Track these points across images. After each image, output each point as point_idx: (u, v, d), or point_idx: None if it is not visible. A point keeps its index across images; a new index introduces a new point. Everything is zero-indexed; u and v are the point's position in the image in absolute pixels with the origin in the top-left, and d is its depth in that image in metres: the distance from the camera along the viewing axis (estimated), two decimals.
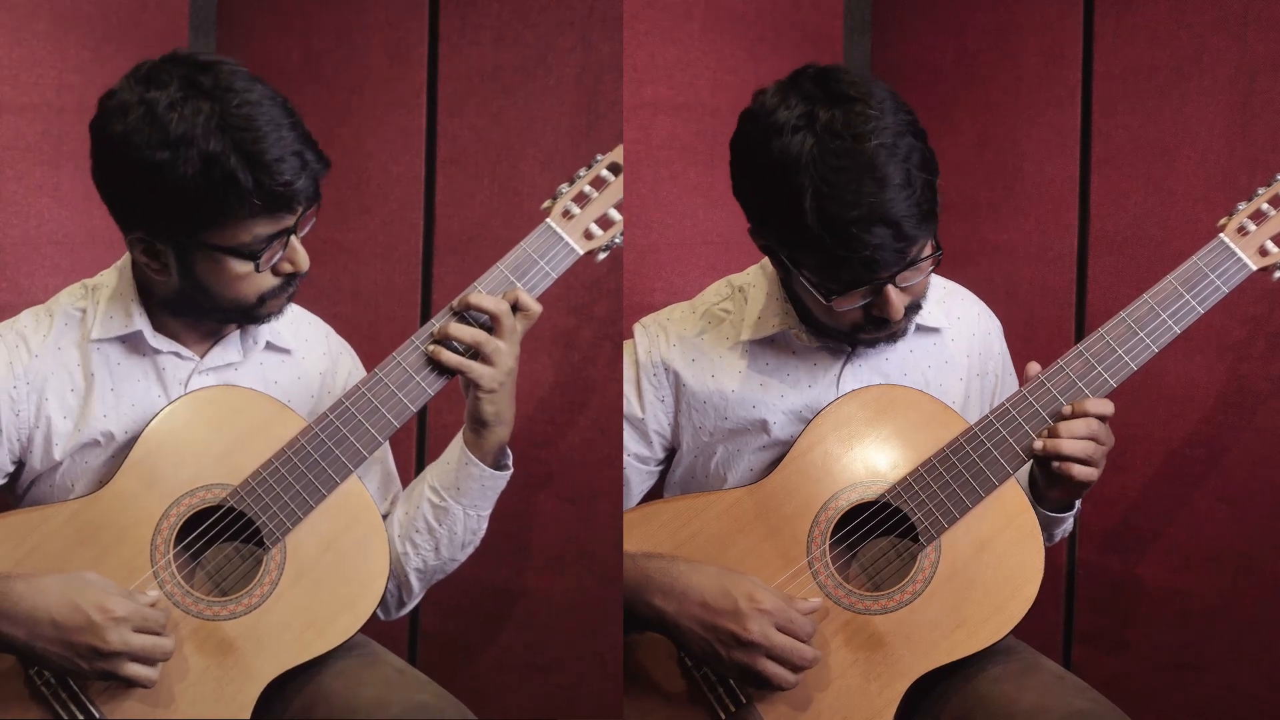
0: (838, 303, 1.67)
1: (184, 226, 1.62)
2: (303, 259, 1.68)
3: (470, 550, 1.84)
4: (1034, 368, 1.72)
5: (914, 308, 1.73)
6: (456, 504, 1.78)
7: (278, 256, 1.66)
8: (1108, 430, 1.70)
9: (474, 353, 1.71)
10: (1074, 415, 1.68)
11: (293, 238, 1.66)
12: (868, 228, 1.57)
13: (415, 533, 1.79)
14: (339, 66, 2.36)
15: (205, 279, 1.66)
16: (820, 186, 1.57)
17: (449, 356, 1.70)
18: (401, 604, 1.85)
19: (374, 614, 1.72)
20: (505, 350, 1.71)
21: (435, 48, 2.32)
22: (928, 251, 1.65)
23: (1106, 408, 1.69)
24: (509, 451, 1.80)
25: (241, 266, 1.64)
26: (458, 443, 1.78)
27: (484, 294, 1.71)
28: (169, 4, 2.36)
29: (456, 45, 2.31)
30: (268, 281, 1.68)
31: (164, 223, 1.63)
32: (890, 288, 1.64)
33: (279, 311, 1.73)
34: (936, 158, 1.63)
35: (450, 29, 2.32)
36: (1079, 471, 1.68)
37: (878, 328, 1.72)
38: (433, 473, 1.80)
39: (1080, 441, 1.68)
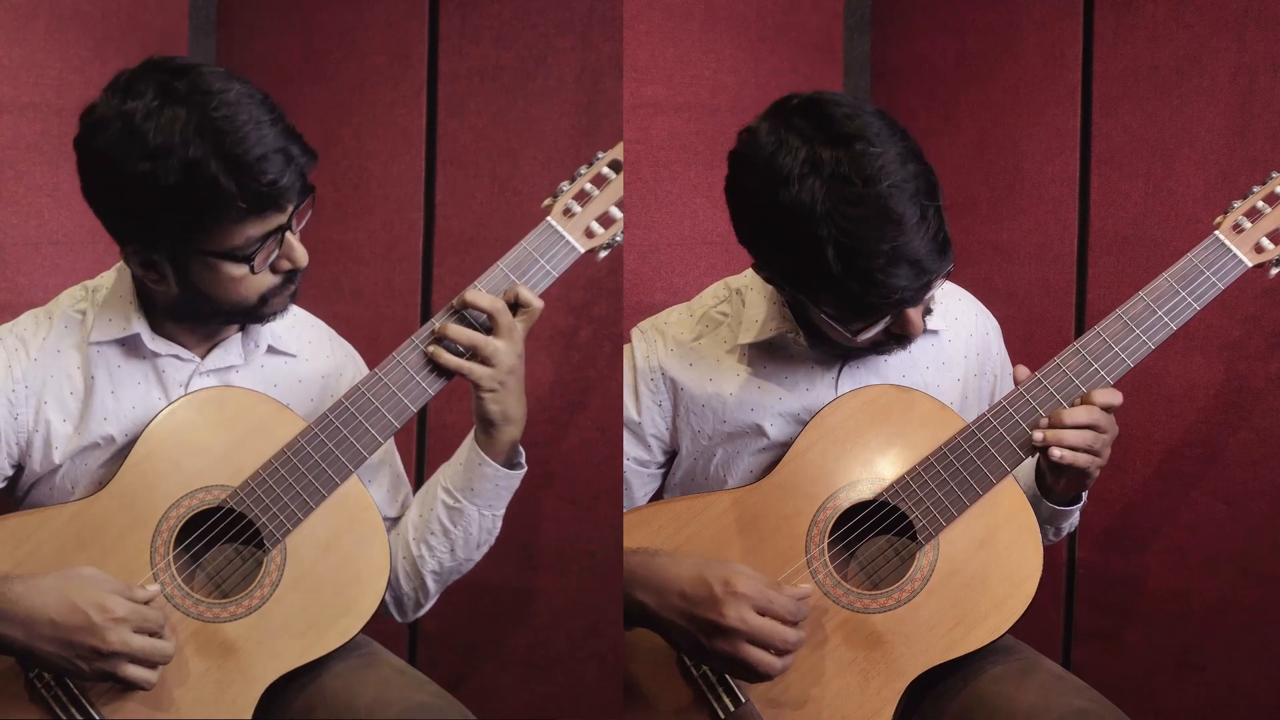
0: (862, 333, 1.67)
1: (175, 236, 1.60)
2: (300, 255, 1.66)
3: (485, 549, 1.83)
4: (1023, 371, 1.72)
5: (926, 313, 1.73)
6: (471, 504, 1.77)
7: (274, 255, 1.64)
8: (1111, 420, 1.69)
9: (473, 353, 1.70)
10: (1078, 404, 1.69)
11: (288, 234, 1.64)
12: (893, 270, 1.57)
13: (430, 535, 1.79)
14: (339, 66, 2.36)
15: (204, 285, 1.65)
16: (840, 238, 1.56)
17: (448, 357, 1.70)
18: (419, 605, 1.84)
19: (377, 615, 1.71)
20: (504, 350, 1.69)
21: (435, 48, 2.32)
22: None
23: (1114, 398, 1.69)
24: (521, 450, 1.79)
25: (238, 270, 1.63)
26: (469, 443, 1.77)
27: (482, 292, 1.70)
28: (169, 4, 2.36)
29: (456, 45, 2.31)
30: (267, 281, 1.66)
31: (155, 234, 1.61)
32: (909, 309, 1.65)
33: (283, 309, 1.72)
34: (936, 174, 1.61)
35: (450, 29, 2.32)
36: (1082, 460, 1.67)
37: (899, 344, 1.73)
38: (445, 474, 1.79)
39: (1080, 431, 1.67)
